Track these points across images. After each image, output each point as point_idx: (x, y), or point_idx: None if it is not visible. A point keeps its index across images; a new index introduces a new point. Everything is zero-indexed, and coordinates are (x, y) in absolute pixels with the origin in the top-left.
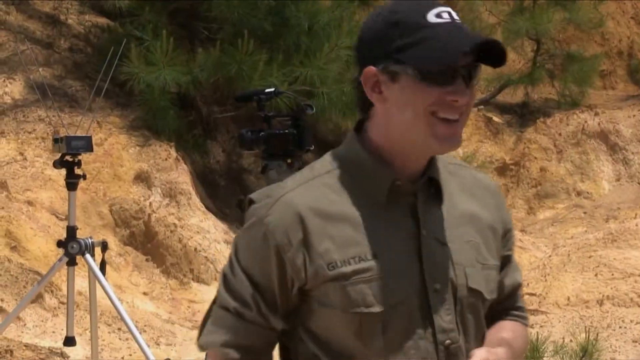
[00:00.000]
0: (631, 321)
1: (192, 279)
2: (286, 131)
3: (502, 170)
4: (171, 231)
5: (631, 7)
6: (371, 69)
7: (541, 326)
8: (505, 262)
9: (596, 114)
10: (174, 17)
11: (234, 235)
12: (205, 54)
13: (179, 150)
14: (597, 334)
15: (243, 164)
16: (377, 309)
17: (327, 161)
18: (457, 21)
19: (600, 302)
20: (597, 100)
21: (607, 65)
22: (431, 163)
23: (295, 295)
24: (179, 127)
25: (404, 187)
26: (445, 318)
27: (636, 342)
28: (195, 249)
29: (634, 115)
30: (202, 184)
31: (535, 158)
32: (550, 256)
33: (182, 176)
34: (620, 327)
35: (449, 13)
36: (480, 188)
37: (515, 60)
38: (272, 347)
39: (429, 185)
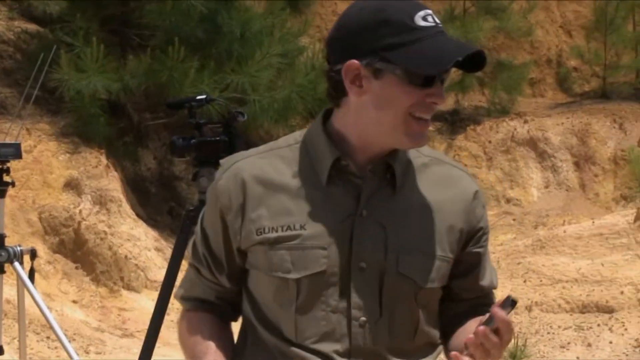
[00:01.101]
0: (559, 327)
1: (122, 287)
2: (217, 138)
3: None
4: (101, 239)
5: (560, 16)
6: (354, 62)
7: None
8: (475, 259)
9: (525, 121)
10: (105, 23)
11: (165, 243)
12: (137, 60)
13: (110, 157)
14: (526, 340)
15: (174, 171)
16: (293, 275)
17: (291, 136)
18: (440, 25)
19: (529, 308)
20: (526, 108)
21: (536, 73)
22: (394, 152)
23: (237, 256)
24: (110, 134)
25: (351, 168)
26: (363, 296)
27: (564, 347)
28: (126, 257)
29: (562, 123)
30: (133, 191)
31: (466, 165)
32: None
33: (112, 183)
34: (548, 333)
35: (432, 16)
36: (450, 184)
37: None
38: (229, 303)
39: (386, 171)
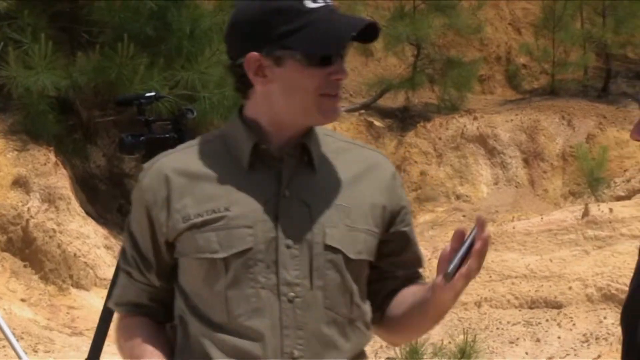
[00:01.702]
0: (508, 322)
1: (72, 285)
2: (167, 135)
3: None
4: (50, 237)
5: (509, 13)
6: (254, 54)
7: None
8: (404, 238)
9: (475, 118)
10: (54, 20)
11: (114, 240)
12: (86, 57)
13: (59, 154)
14: (475, 336)
15: (124, 168)
16: (220, 255)
17: (210, 133)
18: (330, 3)
19: (478, 304)
20: (476, 104)
21: (485, 70)
22: (307, 133)
23: (166, 251)
24: (59, 131)
25: (270, 152)
26: (292, 272)
27: (513, 343)
28: (75, 255)
29: (511, 120)
30: (82, 189)
31: (416, 162)
32: (430, 259)
33: (61, 181)
34: (497, 329)
35: None
36: (368, 165)
37: (396, 65)
38: (162, 304)
39: (303, 153)
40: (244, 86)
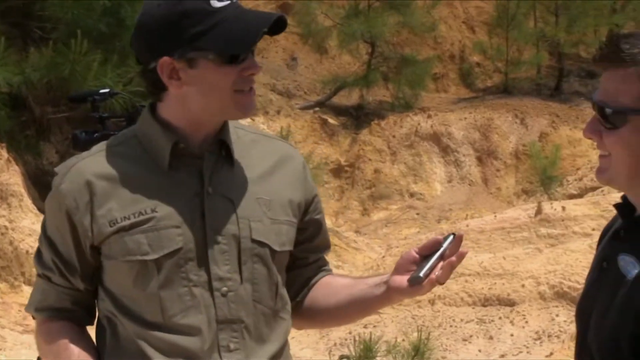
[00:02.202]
0: (461, 320)
1: (24, 282)
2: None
3: (337, 171)
4: (2, 234)
5: (463, 12)
6: (166, 59)
7: (374, 326)
8: (317, 225)
9: (429, 116)
10: (6, 16)
11: None
12: (38, 53)
13: (11, 151)
14: (429, 333)
15: None
16: (151, 256)
17: (122, 134)
18: (235, 1)
19: (432, 302)
20: (429, 103)
21: (439, 69)
22: (223, 128)
23: (90, 254)
24: (11, 127)
25: (189, 150)
26: (222, 268)
27: (466, 340)
28: (27, 252)
29: (465, 118)
30: (34, 186)
31: (370, 160)
32: (384, 257)
33: (13, 178)
34: (451, 326)
35: None
36: (280, 157)
37: (351, 63)
38: (84, 307)
39: (220, 148)
40: (157, 89)
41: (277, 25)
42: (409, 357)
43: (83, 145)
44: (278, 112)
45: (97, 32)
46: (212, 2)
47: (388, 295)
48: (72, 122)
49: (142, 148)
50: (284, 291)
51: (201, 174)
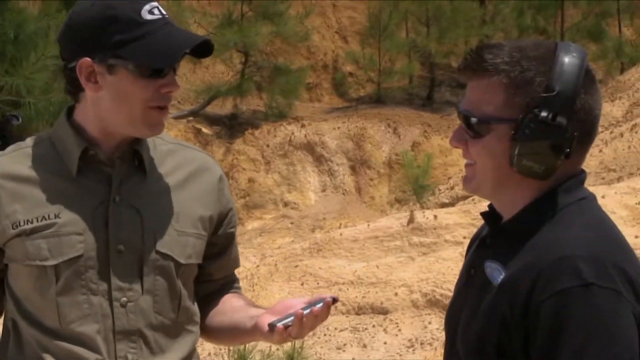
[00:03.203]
0: (335, 329)
1: None
2: None
3: None
4: None
5: (335, 22)
6: (87, 60)
7: None
8: (231, 239)
9: (303, 125)
10: None
11: None
12: None
13: None
14: (303, 342)
15: None
16: (50, 262)
17: (36, 136)
18: (166, 16)
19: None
20: (303, 112)
21: (313, 78)
22: (139, 139)
23: None
24: None
25: (100, 157)
26: (123, 278)
27: (340, 349)
28: None
29: (338, 127)
30: None
31: (244, 169)
32: (258, 266)
33: None
34: (325, 335)
35: (159, 8)
36: (197, 168)
37: (224, 72)
38: None
39: (133, 157)
40: (74, 89)
41: (203, 48)
42: None
43: None
44: None
45: None
46: (142, 13)
47: (253, 331)
48: None
49: (54, 151)
50: (189, 303)
51: (110, 182)
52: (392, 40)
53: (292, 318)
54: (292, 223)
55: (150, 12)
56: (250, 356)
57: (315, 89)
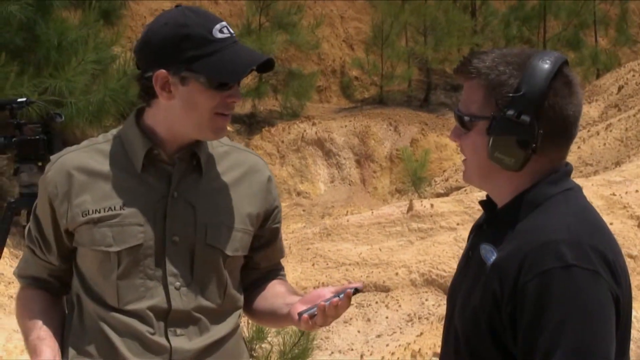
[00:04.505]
0: None
1: None
2: (37, 137)
3: None
4: None
5: (343, 32)
6: (162, 72)
7: None
8: (276, 233)
9: (313, 124)
10: None
11: None
12: None
13: None
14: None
15: None
16: (114, 249)
17: (108, 133)
18: (234, 35)
19: (317, 288)
20: (314, 112)
21: (322, 82)
22: (198, 141)
23: (65, 237)
24: None
25: (162, 156)
26: (177, 265)
27: (347, 322)
28: None
29: (345, 126)
30: None
31: None
32: None
33: None
34: None
35: (227, 28)
36: (248, 168)
37: None
38: (59, 280)
39: (192, 158)
40: (148, 96)
41: (266, 65)
42: (296, 338)
43: (2, 148)
44: None
45: (13, 45)
46: (213, 31)
47: (287, 317)
48: None
49: (121, 148)
50: (234, 291)
51: (170, 179)
52: (393, 48)
53: (316, 308)
54: (304, 210)
55: (221, 31)
56: (267, 329)
57: (324, 91)
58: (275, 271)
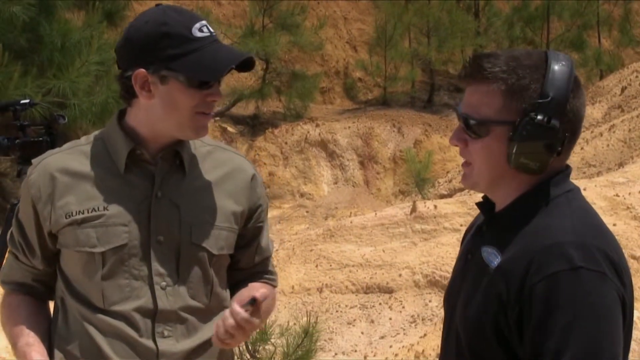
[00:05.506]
0: (346, 306)
1: None
2: (40, 139)
3: None
4: None
5: (346, 33)
6: (142, 71)
7: None
8: (258, 233)
9: (317, 125)
10: None
11: None
12: None
13: None
14: (317, 317)
15: (0, 168)
16: (98, 249)
17: (91, 135)
18: (214, 34)
19: (320, 290)
20: (317, 113)
21: (326, 83)
22: (180, 140)
23: (49, 240)
24: None
25: (145, 156)
26: (162, 265)
27: (350, 324)
28: None
29: (349, 127)
30: None
31: (265, 164)
32: (277, 250)
33: None
34: (337, 311)
35: (207, 27)
36: (232, 168)
37: (247, 78)
38: (44, 284)
39: (175, 157)
40: (128, 95)
41: (245, 63)
42: (300, 339)
43: (5, 150)
44: None
45: (17, 46)
46: (193, 30)
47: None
48: None
49: (104, 149)
50: (220, 290)
51: (153, 179)
52: (396, 50)
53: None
54: (307, 212)
55: (200, 29)
56: (271, 330)
57: (328, 92)
58: (260, 273)
